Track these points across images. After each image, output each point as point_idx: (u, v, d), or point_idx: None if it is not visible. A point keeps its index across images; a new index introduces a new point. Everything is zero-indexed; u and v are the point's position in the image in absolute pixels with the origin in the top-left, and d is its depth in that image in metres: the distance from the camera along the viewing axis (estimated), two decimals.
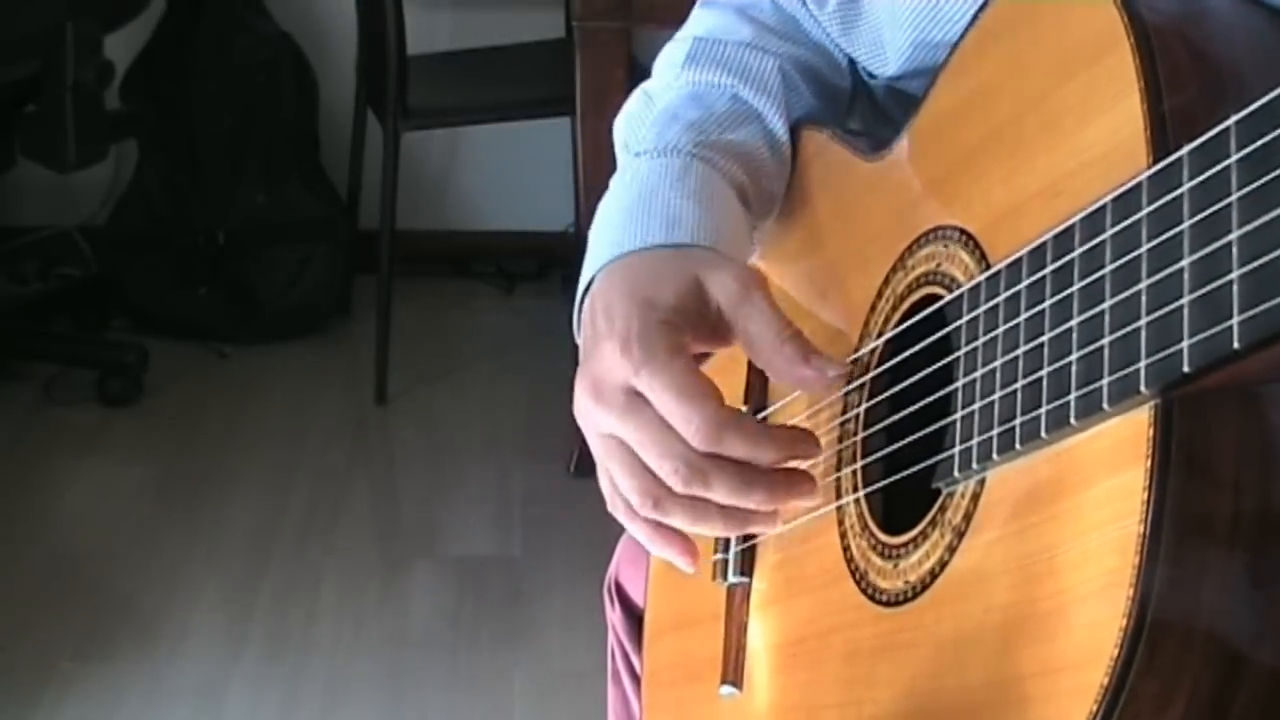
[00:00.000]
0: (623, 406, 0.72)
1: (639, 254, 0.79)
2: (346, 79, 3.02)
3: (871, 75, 0.96)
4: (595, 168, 2.21)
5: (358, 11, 2.81)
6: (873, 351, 0.78)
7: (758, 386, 0.90)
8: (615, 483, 0.75)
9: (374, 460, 2.75)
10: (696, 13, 0.99)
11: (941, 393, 0.69)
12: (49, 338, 2.94)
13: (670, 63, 0.95)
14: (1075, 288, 0.58)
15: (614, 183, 0.88)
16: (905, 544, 0.70)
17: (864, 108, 0.98)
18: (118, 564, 2.32)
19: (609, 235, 0.82)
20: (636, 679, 1.05)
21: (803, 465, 0.84)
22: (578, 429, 0.77)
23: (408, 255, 2.90)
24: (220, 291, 2.93)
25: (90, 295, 3.00)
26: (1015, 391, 0.61)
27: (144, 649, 2.13)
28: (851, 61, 0.96)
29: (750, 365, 0.92)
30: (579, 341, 0.79)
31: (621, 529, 1.11)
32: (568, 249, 2.94)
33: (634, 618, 1.05)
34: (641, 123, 0.93)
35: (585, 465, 2.37)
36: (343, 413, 2.79)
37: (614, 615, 1.09)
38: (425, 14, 2.97)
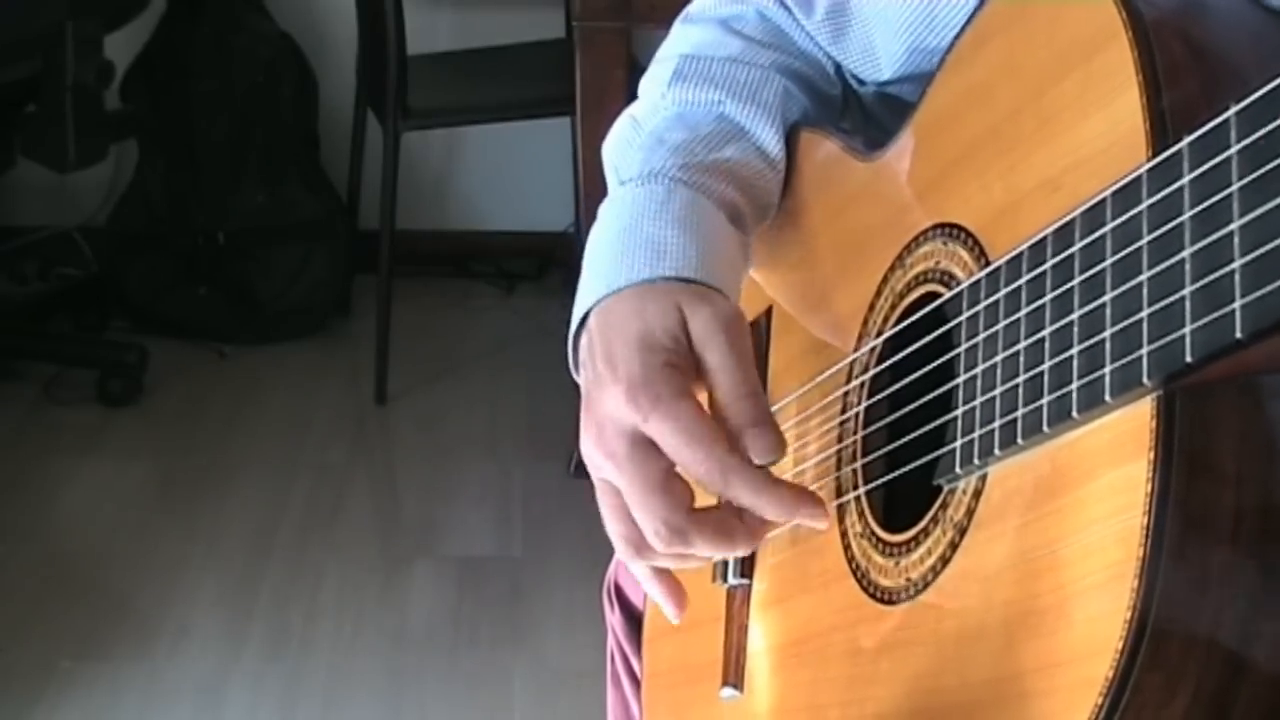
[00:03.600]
0: (624, 454, 0.73)
1: (628, 290, 0.79)
2: (346, 79, 3.02)
3: (861, 81, 0.95)
4: (595, 168, 2.19)
5: (358, 11, 2.81)
6: (871, 350, 0.78)
7: None
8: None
9: (374, 460, 2.75)
10: (679, 29, 0.97)
11: (942, 390, 0.69)
12: (49, 338, 2.95)
13: (656, 81, 0.94)
14: (1076, 281, 0.57)
15: (601, 211, 0.88)
16: (907, 542, 0.70)
17: (854, 115, 0.98)
18: (117, 563, 2.32)
19: (599, 269, 0.82)
20: (636, 681, 1.05)
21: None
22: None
23: (407, 255, 2.91)
24: (220, 291, 2.93)
25: (90, 295, 3.00)
26: (1017, 386, 0.61)
27: (143, 648, 2.13)
28: (839, 69, 0.96)
29: None
30: (578, 379, 0.80)
31: None
32: (568, 249, 2.94)
33: (634, 620, 1.05)
34: (629, 147, 0.92)
35: (585, 465, 2.39)
36: (343, 412, 2.79)
37: (614, 618, 1.09)
38: (425, 14, 2.97)
